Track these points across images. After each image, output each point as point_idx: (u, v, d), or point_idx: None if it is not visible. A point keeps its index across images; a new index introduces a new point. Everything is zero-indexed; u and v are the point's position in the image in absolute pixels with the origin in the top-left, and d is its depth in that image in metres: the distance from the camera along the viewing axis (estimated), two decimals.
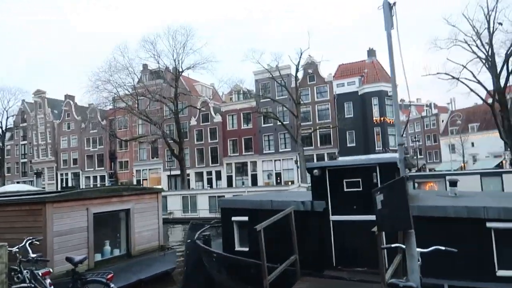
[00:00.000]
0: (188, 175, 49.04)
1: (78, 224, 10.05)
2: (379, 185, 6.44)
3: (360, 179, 6.52)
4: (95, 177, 58.12)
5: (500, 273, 5.28)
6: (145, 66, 52.97)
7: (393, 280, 3.51)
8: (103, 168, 57.53)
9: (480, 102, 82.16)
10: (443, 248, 3.87)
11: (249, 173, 47.23)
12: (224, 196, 30.76)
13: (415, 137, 57.74)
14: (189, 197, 32.53)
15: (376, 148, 40.55)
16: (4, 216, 9.51)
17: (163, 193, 15.77)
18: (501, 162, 62.69)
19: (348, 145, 42.16)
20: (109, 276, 5.93)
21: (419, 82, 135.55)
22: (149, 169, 53.96)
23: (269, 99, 44.65)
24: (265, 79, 46.52)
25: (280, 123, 44.69)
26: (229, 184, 46.88)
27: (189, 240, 8.61)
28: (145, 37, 52.62)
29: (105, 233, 11.33)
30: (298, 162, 43.61)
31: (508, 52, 28.83)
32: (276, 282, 6.23)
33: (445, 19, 33.41)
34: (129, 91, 40.07)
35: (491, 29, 29.44)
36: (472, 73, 31.03)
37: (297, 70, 37.28)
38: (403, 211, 3.45)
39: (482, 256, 5.21)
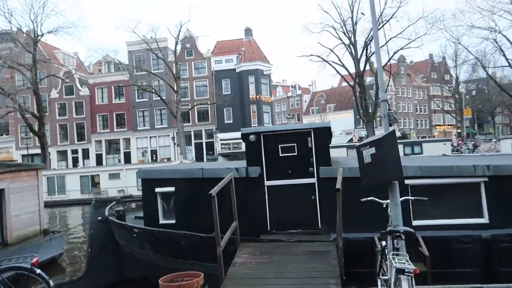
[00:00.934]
0: (49, 154, 43.68)
1: None
2: (313, 150, 6.60)
3: (295, 144, 6.57)
4: None
5: (414, 223, 6.01)
6: None
7: (391, 227, 3.62)
8: None
9: (335, 86, 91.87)
10: (413, 198, 4.18)
11: (122, 150, 44.36)
12: (98, 175, 28.42)
13: (289, 115, 61.28)
14: (55, 178, 29.05)
15: (252, 125, 42.10)
16: None
17: None
18: (352, 138, 71.56)
19: (226, 121, 42.83)
20: (34, 260, 4.80)
21: (288, 64, 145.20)
22: None
23: (144, 73, 42.17)
24: (140, 50, 43.74)
25: (156, 98, 42.93)
26: (99, 163, 43.27)
27: (98, 219, 7.58)
28: None
29: None
30: (176, 139, 42.75)
31: (367, 40, 32.66)
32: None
33: (319, 5, 36.11)
34: None
35: (355, 18, 32.90)
36: (338, 57, 34.39)
37: (176, 43, 36.06)
38: (396, 163, 3.56)
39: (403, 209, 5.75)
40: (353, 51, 33.80)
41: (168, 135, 43.60)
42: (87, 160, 44.73)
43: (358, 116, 75.06)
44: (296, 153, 6.59)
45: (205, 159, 41.97)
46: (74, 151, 44.79)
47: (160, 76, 38.72)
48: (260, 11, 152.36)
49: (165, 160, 41.84)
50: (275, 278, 4.94)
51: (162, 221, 6.88)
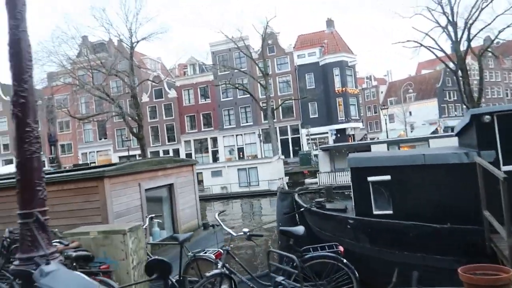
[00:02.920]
0: (135, 156, 46.25)
1: (133, 203, 8.37)
2: None
3: None
4: None
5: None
6: (84, 38, 47.96)
7: None
8: (41, 153, 51.95)
9: (413, 74, 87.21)
10: None
11: (210, 149, 45.63)
12: (201, 173, 28.96)
13: (383, 105, 59.26)
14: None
15: (339, 118, 41.12)
16: (59, 197, 7.58)
17: None
18: (436, 128, 67.21)
19: (311, 116, 42.24)
20: (217, 253, 4.78)
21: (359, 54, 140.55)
22: (97, 151, 49.91)
23: (227, 72, 42.99)
24: (223, 50, 44.71)
25: (241, 97, 43.60)
26: None
27: (286, 211, 7.44)
28: (94, 4, 47.19)
29: (152, 212, 9.71)
30: (261, 136, 43.04)
31: (468, 19, 30.14)
32: (457, 243, 5.42)
33: None
34: (69, 66, 36.09)
35: None
36: (435, 41, 32.19)
37: (263, 40, 36.11)
38: None
39: None
40: (452, 33, 31.44)
41: (254, 133, 44.01)
42: None
43: (444, 105, 70.63)
44: None
45: (291, 155, 41.76)
46: (166, 152, 46.91)
47: (248, 73, 38.97)
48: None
49: (249, 157, 42.29)
50: None
51: (376, 211, 6.51)
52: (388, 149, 23.76)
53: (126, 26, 36.12)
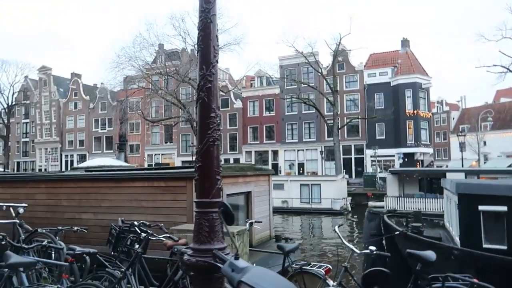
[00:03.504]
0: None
1: None
2: None
3: None
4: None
5: None
6: (161, 46, 50.53)
7: None
8: (111, 151, 55.17)
9: (490, 101, 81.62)
10: None
11: (270, 162, 45.60)
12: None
13: (460, 131, 56.27)
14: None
15: (408, 142, 39.28)
16: (147, 193, 7.77)
17: None
18: None
19: (377, 137, 40.78)
20: (326, 269, 4.36)
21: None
22: (162, 154, 51.92)
23: (294, 86, 43.00)
24: (291, 65, 44.86)
25: (305, 112, 43.30)
26: None
27: (373, 232, 6.97)
28: (173, 14, 49.78)
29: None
30: (323, 153, 42.26)
31: None
32: None
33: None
34: (144, 71, 38.05)
35: None
36: None
37: (335, 56, 35.64)
38: None
39: None
40: None
41: (316, 149, 43.36)
42: None
43: None
44: None
45: (353, 175, 40.51)
46: (226, 160, 47.53)
47: (316, 88, 38.63)
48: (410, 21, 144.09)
49: (309, 173, 41.59)
50: None
51: (486, 244, 5.86)
52: (466, 178, 22.14)
53: None
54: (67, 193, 8.74)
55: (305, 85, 41.82)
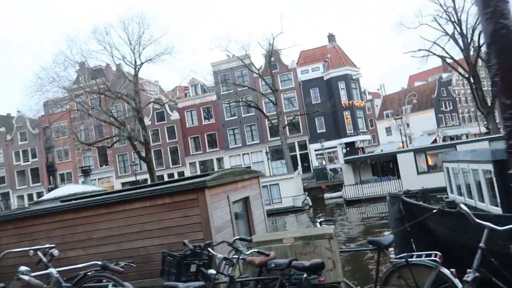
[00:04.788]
0: (146, 180, 45.01)
1: (225, 217, 7.53)
2: None
3: None
4: (30, 195, 50.48)
5: None
6: (82, 64, 47.15)
7: None
8: (39, 184, 50.32)
9: (405, 87, 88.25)
10: None
11: (216, 169, 44.62)
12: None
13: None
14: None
15: (348, 132, 40.81)
16: (151, 214, 6.75)
17: None
18: (435, 138, 67.65)
19: (318, 131, 41.87)
20: (438, 256, 3.98)
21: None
22: (99, 179, 48.39)
23: (230, 91, 42.68)
24: (224, 70, 44.43)
25: (245, 115, 43.19)
26: None
27: (397, 216, 6.72)
28: (96, 28, 46.25)
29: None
30: (268, 154, 42.40)
31: (476, 26, 30.49)
32: None
33: None
34: (71, 92, 35.29)
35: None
36: (443, 49, 32.47)
37: (270, 56, 35.88)
38: None
39: None
40: (460, 41, 31.76)
41: (261, 151, 43.36)
42: None
43: (440, 115, 71.29)
44: None
45: (300, 171, 41.06)
46: (170, 175, 45.72)
47: (255, 89, 38.54)
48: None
49: None
50: None
51: None
52: (415, 157, 23.36)
53: (131, 49, 35.62)
54: (43, 230, 7.36)
55: (242, 89, 41.61)
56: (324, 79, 42.06)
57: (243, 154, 44.08)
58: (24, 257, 5.22)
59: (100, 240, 7.10)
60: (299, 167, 40.49)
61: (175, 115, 46.04)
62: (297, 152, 42.62)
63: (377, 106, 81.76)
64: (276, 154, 42.56)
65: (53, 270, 3.84)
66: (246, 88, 41.10)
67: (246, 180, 9.27)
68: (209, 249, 3.90)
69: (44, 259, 4.27)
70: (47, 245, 4.45)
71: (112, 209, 7.07)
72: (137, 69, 36.45)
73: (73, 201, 7.83)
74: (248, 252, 3.79)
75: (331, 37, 44.03)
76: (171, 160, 46.11)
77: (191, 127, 45.71)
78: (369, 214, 21.80)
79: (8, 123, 52.10)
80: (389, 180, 24.33)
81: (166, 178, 46.25)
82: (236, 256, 3.74)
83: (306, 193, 28.52)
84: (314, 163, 41.40)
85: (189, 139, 45.62)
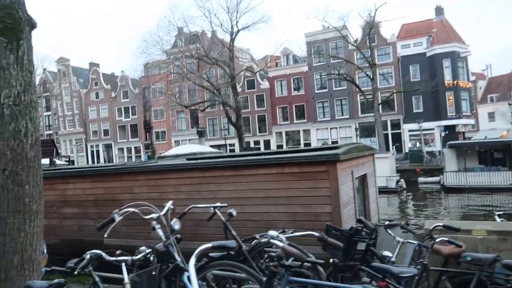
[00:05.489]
0: (233, 145, 46.45)
1: (350, 193, 7.27)
2: None
3: None
4: (129, 149, 55.27)
5: None
6: (180, 29, 49.04)
7: None
8: (137, 139, 54.61)
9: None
10: None
11: (302, 142, 44.49)
12: None
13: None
14: None
15: (449, 114, 37.68)
16: (277, 181, 6.75)
17: None
18: None
19: (415, 111, 39.23)
20: None
21: None
22: (189, 139, 51.00)
23: (323, 63, 41.51)
24: (318, 41, 43.22)
25: (336, 89, 41.98)
26: None
27: None
28: None
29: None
30: (358, 130, 40.94)
31: None
32: None
33: None
34: (172, 55, 36.91)
35: None
36: None
37: (370, 28, 33.96)
38: None
39: None
40: None
41: (350, 126, 42.04)
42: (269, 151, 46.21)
43: None
44: None
45: (391, 151, 39.19)
46: (256, 142, 46.63)
47: (349, 61, 36.98)
48: None
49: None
50: None
51: None
52: None
53: (229, 16, 36.01)
54: (172, 185, 7.76)
55: (334, 61, 40.22)
56: (427, 55, 38.82)
57: (331, 128, 43.18)
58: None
59: (224, 201, 7.27)
60: (388, 146, 38.64)
61: (265, 84, 46.27)
62: (389, 131, 40.57)
63: (480, 88, 74.18)
64: (365, 131, 40.97)
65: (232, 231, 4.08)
66: (339, 60, 39.61)
67: (365, 157, 8.88)
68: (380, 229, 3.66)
69: (223, 218, 4.39)
70: (223, 204, 4.58)
71: (238, 172, 7.17)
72: (233, 36, 36.88)
73: (199, 160, 8.11)
74: (437, 240, 3.49)
75: (438, 10, 40.10)
76: (258, 128, 46.83)
77: (280, 97, 45.66)
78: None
79: (113, 81, 56.66)
80: (499, 171, 22.08)
81: (252, 145, 47.30)
82: (429, 243, 3.48)
83: (399, 174, 27.22)
84: (407, 144, 39.12)
85: (277, 108, 45.74)
